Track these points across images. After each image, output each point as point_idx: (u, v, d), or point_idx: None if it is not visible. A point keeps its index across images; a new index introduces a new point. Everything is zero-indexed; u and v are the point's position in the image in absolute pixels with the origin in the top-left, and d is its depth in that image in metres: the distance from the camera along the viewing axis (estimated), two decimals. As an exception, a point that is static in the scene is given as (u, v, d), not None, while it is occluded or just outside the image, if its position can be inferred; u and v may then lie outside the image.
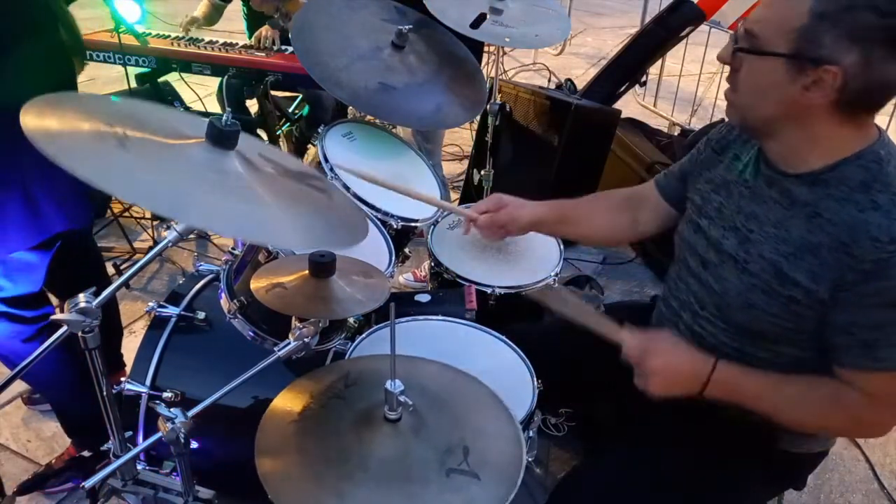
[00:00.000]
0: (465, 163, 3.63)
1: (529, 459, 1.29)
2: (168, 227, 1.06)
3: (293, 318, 1.24)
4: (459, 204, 2.84)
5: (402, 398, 0.98)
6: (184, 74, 3.08)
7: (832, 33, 0.97)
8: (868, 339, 1.06)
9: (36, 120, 0.84)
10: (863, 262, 1.02)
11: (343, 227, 1.09)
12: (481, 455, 0.99)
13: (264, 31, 3.08)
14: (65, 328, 1.03)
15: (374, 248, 1.66)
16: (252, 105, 3.41)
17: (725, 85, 1.17)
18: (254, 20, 3.33)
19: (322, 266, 1.18)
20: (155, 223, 2.94)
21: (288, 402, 1.09)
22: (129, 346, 1.94)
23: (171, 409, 1.05)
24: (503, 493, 0.94)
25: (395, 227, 1.71)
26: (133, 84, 2.88)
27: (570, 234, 1.60)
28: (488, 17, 2.04)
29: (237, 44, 3.06)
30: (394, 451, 0.98)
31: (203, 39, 3.07)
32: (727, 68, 1.14)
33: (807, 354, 1.17)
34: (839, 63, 0.98)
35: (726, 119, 1.27)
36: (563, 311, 1.28)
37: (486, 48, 4.50)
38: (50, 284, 1.64)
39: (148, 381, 1.41)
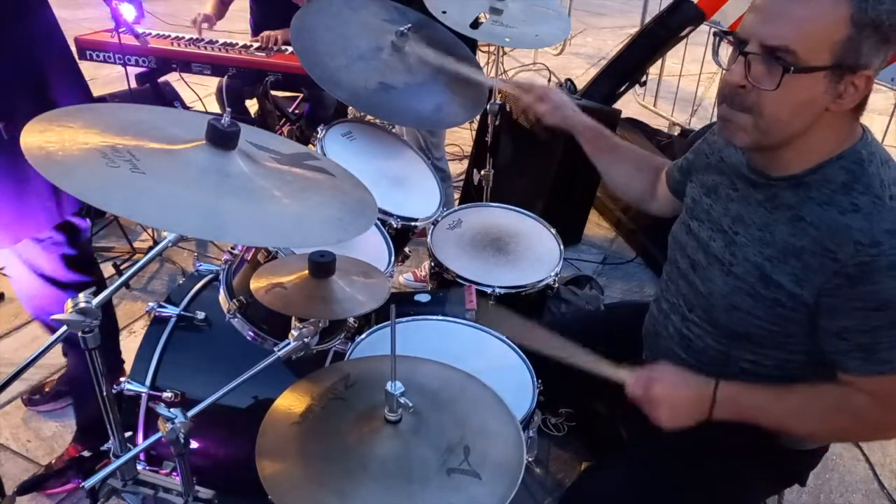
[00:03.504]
0: (465, 163, 3.63)
1: (529, 459, 1.29)
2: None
3: (293, 318, 1.24)
4: (459, 204, 2.85)
5: (402, 400, 0.98)
6: (184, 74, 3.08)
7: (872, 39, 0.97)
8: (864, 343, 1.05)
9: (39, 146, 0.84)
10: (846, 265, 1.02)
11: (358, 205, 1.08)
12: (482, 454, 0.99)
13: (276, 34, 3.06)
14: (65, 328, 1.03)
15: (373, 248, 1.65)
16: (252, 105, 3.40)
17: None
18: (262, 18, 3.31)
19: (322, 266, 1.18)
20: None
21: (289, 404, 1.09)
22: (129, 346, 1.93)
23: (171, 410, 1.04)
24: (504, 493, 0.94)
25: (395, 226, 1.70)
26: (133, 84, 2.88)
27: (593, 159, 1.59)
28: (488, 17, 2.04)
29: (237, 44, 3.06)
30: (394, 451, 0.98)
31: (203, 39, 3.07)
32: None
33: (795, 357, 1.17)
34: (871, 66, 0.98)
35: (734, 144, 1.15)
36: (558, 356, 1.26)
37: (486, 48, 4.56)
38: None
39: (148, 381, 1.41)
